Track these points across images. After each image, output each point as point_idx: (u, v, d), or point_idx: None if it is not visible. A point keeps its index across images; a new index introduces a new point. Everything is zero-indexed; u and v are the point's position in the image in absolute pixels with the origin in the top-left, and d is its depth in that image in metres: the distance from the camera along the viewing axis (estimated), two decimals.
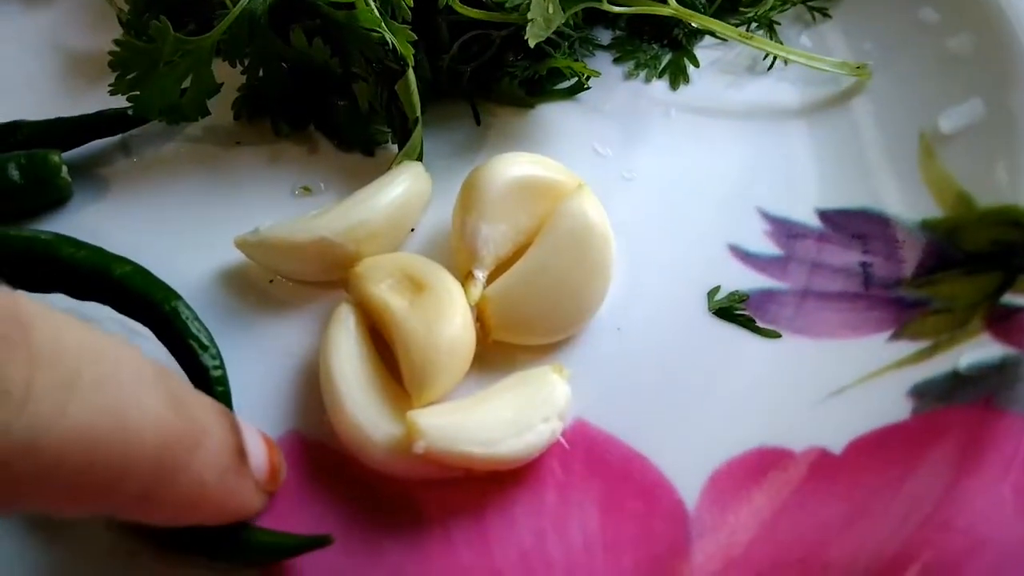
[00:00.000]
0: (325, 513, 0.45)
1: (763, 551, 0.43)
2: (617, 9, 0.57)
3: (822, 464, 0.46)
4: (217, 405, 0.41)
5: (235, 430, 0.41)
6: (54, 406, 0.32)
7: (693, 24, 0.60)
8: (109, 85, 0.54)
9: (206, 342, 0.46)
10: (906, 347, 0.49)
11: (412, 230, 0.54)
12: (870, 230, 0.54)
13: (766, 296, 0.52)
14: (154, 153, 0.58)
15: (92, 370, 0.34)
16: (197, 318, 0.47)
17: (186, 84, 0.54)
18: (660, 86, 0.62)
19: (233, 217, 0.53)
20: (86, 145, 0.57)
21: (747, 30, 0.61)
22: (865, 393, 0.47)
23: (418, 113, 0.55)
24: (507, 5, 0.54)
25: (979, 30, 0.57)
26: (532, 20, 0.52)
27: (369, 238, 0.50)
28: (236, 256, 0.51)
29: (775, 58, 0.61)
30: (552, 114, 0.60)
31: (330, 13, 0.53)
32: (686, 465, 0.46)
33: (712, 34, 0.62)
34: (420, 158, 0.55)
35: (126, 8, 0.61)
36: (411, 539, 0.44)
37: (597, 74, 0.60)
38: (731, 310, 0.51)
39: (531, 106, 0.60)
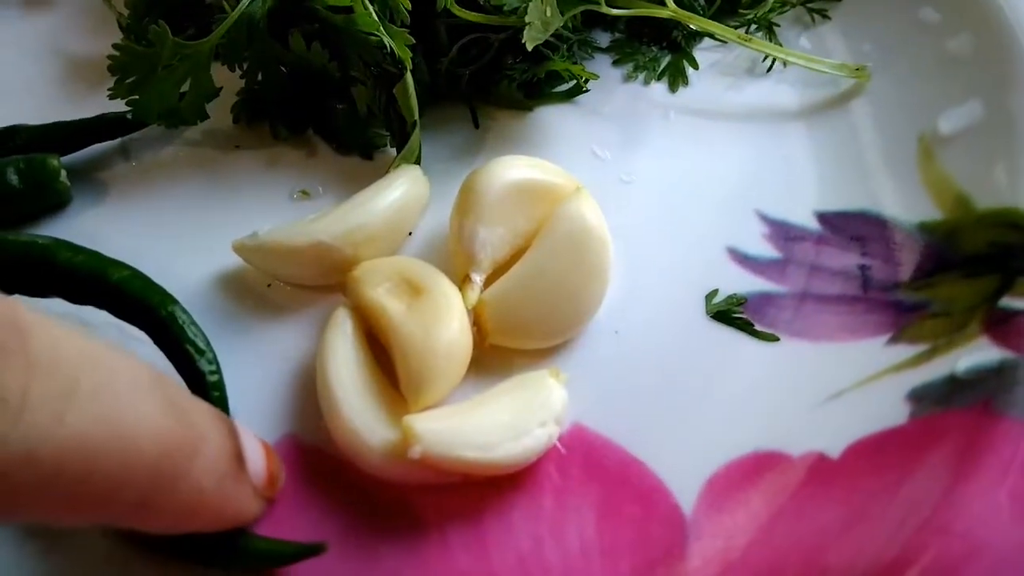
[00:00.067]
0: (321, 518, 0.45)
1: (760, 555, 0.43)
2: (616, 11, 0.57)
3: (820, 468, 0.45)
4: (215, 411, 0.41)
5: (233, 436, 0.41)
6: (52, 415, 0.32)
7: (692, 26, 0.60)
8: (108, 89, 0.54)
9: (203, 347, 0.46)
10: (904, 351, 0.49)
11: (410, 234, 0.54)
12: (869, 232, 0.54)
13: (764, 299, 0.52)
14: (153, 157, 0.58)
15: (90, 379, 0.34)
16: (194, 323, 0.47)
17: (185, 88, 0.54)
18: (659, 88, 0.61)
19: (231, 221, 0.53)
20: (85, 149, 0.57)
21: (746, 32, 0.61)
22: (863, 397, 0.47)
23: (416, 116, 0.55)
24: (505, 8, 0.54)
25: (979, 31, 0.57)
26: (530, 23, 0.52)
27: (367, 242, 0.50)
28: (234, 260, 0.51)
29: (774, 60, 0.61)
30: (551, 117, 0.60)
31: (328, 17, 0.53)
32: (683, 469, 0.46)
33: (711, 36, 0.61)
34: (418, 161, 0.55)
35: (126, 12, 0.61)
36: (408, 544, 0.44)
37: (596, 77, 0.60)
38: (729, 313, 0.51)
39: (529, 109, 0.60)
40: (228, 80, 0.56)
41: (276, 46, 0.55)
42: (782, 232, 0.54)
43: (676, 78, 0.62)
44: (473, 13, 0.55)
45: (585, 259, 0.49)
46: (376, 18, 0.52)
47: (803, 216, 0.55)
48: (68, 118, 0.57)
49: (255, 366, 0.49)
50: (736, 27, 0.61)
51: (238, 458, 0.41)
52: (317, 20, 0.54)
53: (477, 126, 0.59)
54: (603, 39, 0.64)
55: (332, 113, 0.58)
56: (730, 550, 0.43)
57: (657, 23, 0.62)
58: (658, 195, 0.56)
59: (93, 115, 0.57)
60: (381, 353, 0.48)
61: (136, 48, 0.53)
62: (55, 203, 0.55)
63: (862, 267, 0.52)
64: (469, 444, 0.43)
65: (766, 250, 0.54)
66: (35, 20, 0.66)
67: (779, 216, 0.55)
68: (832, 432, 0.46)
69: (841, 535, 0.43)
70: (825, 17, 0.63)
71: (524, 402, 0.45)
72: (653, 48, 0.63)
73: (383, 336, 0.47)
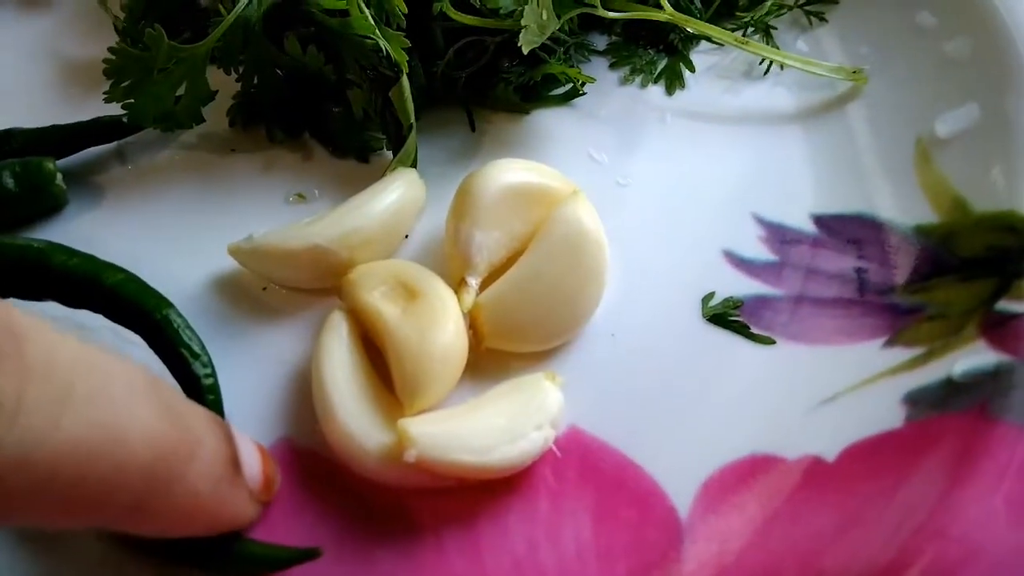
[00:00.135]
0: (316, 521, 0.45)
1: (756, 559, 0.43)
2: (612, 15, 0.57)
3: (815, 472, 0.45)
4: (211, 415, 0.41)
5: (229, 440, 0.41)
6: (47, 419, 0.32)
7: (689, 29, 0.60)
8: (104, 92, 0.54)
9: (197, 350, 0.46)
10: (900, 354, 0.49)
11: (406, 237, 0.54)
12: (865, 235, 0.53)
13: (760, 302, 0.52)
14: (149, 160, 0.58)
15: (85, 383, 0.34)
16: (189, 326, 0.47)
17: (181, 91, 0.54)
18: (656, 91, 0.61)
19: (227, 224, 0.53)
20: (81, 152, 0.57)
21: (743, 35, 0.61)
22: (859, 400, 0.47)
23: (412, 120, 0.55)
24: (501, 11, 0.54)
25: (976, 34, 0.57)
26: (526, 26, 0.52)
27: (362, 245, 0.50)
28: (229, 263, 0.51)
29: (771, 63, 0.61)
30: (547, 120, 0.60)
31: (324, 20, 0.53)
32: (679, 472, 0.46)
33: (708, 39, 0.61)
34: (414, 165, 0.55)
35: (122, 16, 0.61)
36: (403, 548, 0.44)
37: (592, 80, 0.60)
38: (725, 316, 0.51)
39: (526, 112, 0.60)
40: (224, 83, 0.56)
41: (272, 49, 0.55)
42: (778, 235, 0.54)
43: (673, 81, 0.62)
44: (469, 16, 0.54)
45: (581, 262, 0.49)
46: (372, 21, 0.52)
47: (799, 219, 0.55)
48: (64, 121, 0.57)
49: (250, 370, 0.49)
50: (733, 30, 0.61)
51: (233, 462, 0.41)
52: (313, 23, 0.54)
53: (473, 129, 0.59)
54: (600, 42, 0.64)
55: (328, 116, 0.58)
56: (725, 553, 0.43)
57: (654, 26, 0.62)
58: (655, 198, 0.56)
59: (89, 118, 0.57)
60: (377, 357, 0.48)
61: (132, 51, 0.52)
62: (51, 206, 0.55)
63: (858, 270, 0.52)
64: (465, 448, 0.43)
65: (762, 253, 0.54)
66: (31, 23, 0.65)
67: (775, 219, 0.55)
68: (828, 435, 0.46)
69: (837, 539, 0.43)
70: (822, 20, 0.63)
71: (520, 405, 0.45)
72: (650, 51, 0.63)
73: (379, 339, 0.47)
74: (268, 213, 0.55)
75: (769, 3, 0.63)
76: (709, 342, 0.50)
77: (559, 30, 0.57)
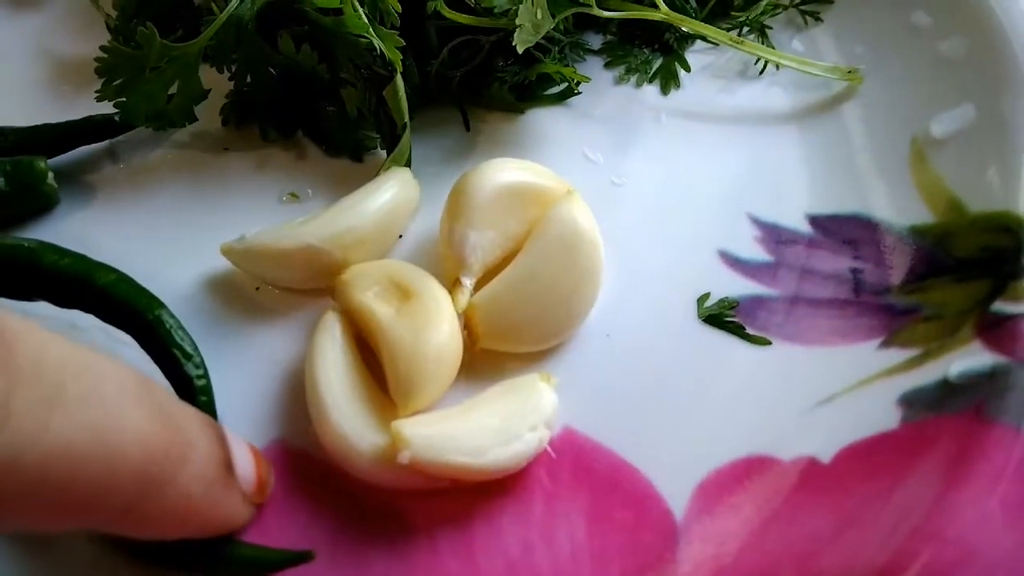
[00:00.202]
0: (310, 523, 0.44)
1: (752, 560, 0.43)
2: (607, 14, 0.57)
3: (811, 473, 0.45)
4: (203, 416, 0.41)
5: (222, 442, 0.41)
6: (36, 421, 0.32)
7: (684, 29, 0.60)
8: (96, 91, 0.53)
9: (190, 351, 0.46)
10: (896, 355, 0.48)
11: (400, 237, 0.54)
12: (860, 236, 0.53)
13: (756, 303, 0.52)
14: (141, 159, 0.58)
15: (75, 385, 0.33)
16: (181, 327, 0.47)
17: (173, 90, 0.54)
18: (651, 91, 0.61)
19: (219, 224, 0.53)
20: (73, 151, 0.57)
21: (738, 35, 0.61)
22: (855, 401, 0.47)
23: (406, 119, 0.54)
24: (496, 10, 0.54)
25: (971, 34, 0.57)
26: (521, 25, 0.51)
27: (356, 245, 0.50)
28: (222, 263, 0.51)
29: (766, 63, 0.61)
30: (542, 119, 0.59)
31: (318, 19, 0.53)
32: (674, 474, 0.46)
33: (703, 39, 0.61)
34: (408, 164, 0.55)
35: (114, 14, 0.60)
36: (397, 549, 0.44)
37: (587, 79, 0.60)
38: (721, 317, 0.51)
39: (521, 111, 0.59)
40: (217, 82, 0.56)
41: (265, 48, 0.55)
42: (774, 235, 0.54)
43: (668, 81, 0.61)
44: (463, 15, 0.54)
45: (576, 262, 0.48)
46: (366, 20, 0.52)
47: (795, 219, 0.55)
48: (55, 120, 0.56)
49: (243, 370, 0.49)
50: (728, 29, 0.61)
51: (226, 464, 0.40)
52: (306, 22, 0.54)
53: (468, 129, 0.59)
54: (595, 41, 0.63)
55: (322, 115, 0.57)
56: (721, 555, 0.43)
57: (649, 25, 0.62)
58: (650, 198, 0.56)
59: (81, 117, 0.56)
60: (370, 357, 0.48)
61: (124, 50, 0.52)
62: (42, 206, 0.55)
63: (854, 271, 0.52)
64: (459, 449, 0.42)
65: (758, 253, 0.53)
66: (22, 21, 0.65)
67: (771, 219, 0.55)
68: (824, 437, 0.46)
69: (833, 540, 0.43)
70: (817, 20, 0.63)
71: (514, 406, 0.45)
72: (645, 50, 0.63)
73: (372, 340, 0.47)
74: (261, 212, 0.55)
75: (764, 3, 0.63)
76: (704, 343, 0.50)
77: (554, 29, 0.57)
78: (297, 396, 0.47)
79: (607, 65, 0.62)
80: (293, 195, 0.56)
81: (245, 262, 0.51)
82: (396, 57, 0.52)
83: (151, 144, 0.58)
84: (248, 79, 0.56)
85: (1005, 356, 0.46)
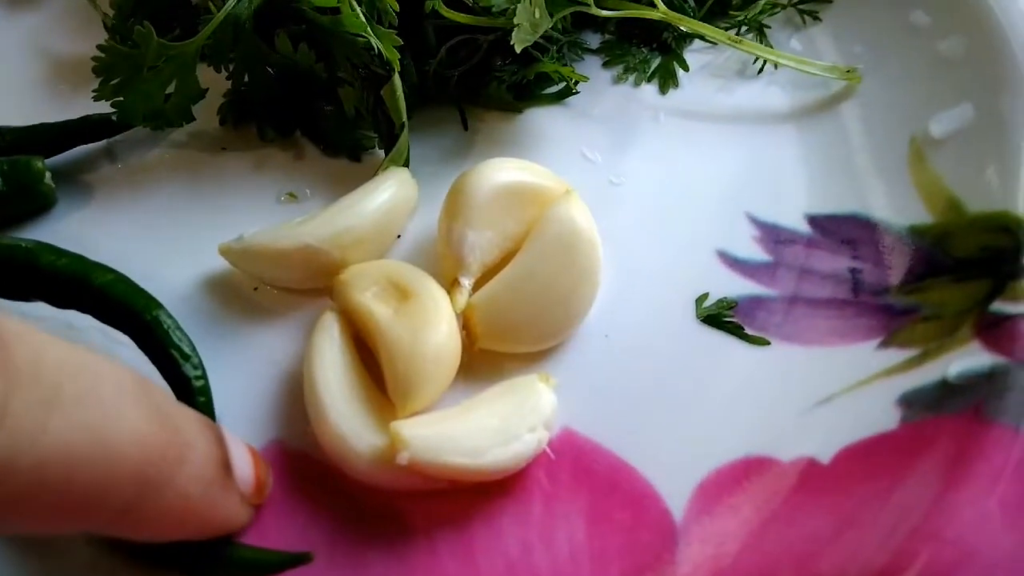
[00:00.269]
0: (308, 524, 0.44)
1: (751, 561, 0.43)
2: (606, 13, 0.57)
3: (811, 473, 0.45)
4: (201, 417, 0.41)
5: (220, 442, 0.41)
6: (34, 423, 0.32)
7: (682, 28, 0.60)
8: (93, 90, 0.53)
9: (188, 351, 0.46)
10: (895, 355, 0.48)
11: (398, 237, 0.54)
12: (859, 236, 0.53)
13: (754, 303, 0.51)
14: (139, 159, 0.58)
15: (73, 386, 0.33)
16: (179, 327, 0.47)
17: (171, 89, 0.54)
18: (649, 90, 0.61)
19: (217, 224, 0.53)
20: (70, 151, 0.57)
21: (737, 34, 0.61)
22: (854, 402, 0.47)
23: (404, 118, 0.54)
24: (494, 9, 0.54)
25: (970, 34, 0.57)
26: (519, 24, 0.51)
27: (354, 245, 0.50)
28: (220, 263, 0.51)
29: (765, 62, 0.61)
30: (540, 119, 0.59)
31: (315, 18, 0.53)
32: (673, 474, 0.46)
33: (702, 38, 0.61)
34: (407, 164, 0.55)
35: (111, 13, 0.60)
36: (396, 551, 0.44)
37: (585, 79, 0.59)
38: (719, 317, 0.51)
39: (519, 111, 0.59)
40: (214, 81, 0.56)
41: (263, 47, 0.54)
42: (772, 235, 0.54)
43: (666, 80, 0.61)
44: (461, 14, 0.54)
45: (575, 262, 0.48)
46: (363, 19, 0.52)
47: (793, 219, 0.55)
48: (52, 119, 0.56)
49: (241, 371, 0.49)
50: (727, 29, 0.60)
51: (225, 465, 0.40)
52: (304, 21, 0.54)
53: (466, 128, 0.59)
54: (593, 40, 0.63)
55: (320, 115, 0.57)
56: (720, 556, 0.43)
57: (647, 24, 0.62)
58: (648, 198, 0.56)
59: (78, 116, 0.56)
60: (369, 357, 0.48)
61: (121, 49, 0.52)
62: (39, 205, 0.55)
63: (853, 271, 0.52)
64: (457, 450, 0.42)
65: (756, 253, 0.53)
66: (19, 20, 0.65)
67: (769, 219, 0.55)
68: (823, 437, 0.46)
69: (832, 541, 0.42)
70: (816, 19, 0.63)
71: (513, 407, 0.45)
72: (643, 50, 0.63)
73: (371, 340, 0.47)
74: (259, 212, 0.55)
75: (763, 2, 0.63)
76: (703, 343, 0.50)
77: (552, 28, 0.56)
78: (295, 397, 0.47)
79: (605, 64, 0.62)
80: (291, 195, 0.56)
81: (243, 262, 0.50)
82: (394, 56, 0.52)
83: (149, 144, 0.58)
84: (246, 78, 0.56)
85: (1004, 356, 0.45)
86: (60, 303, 0.47)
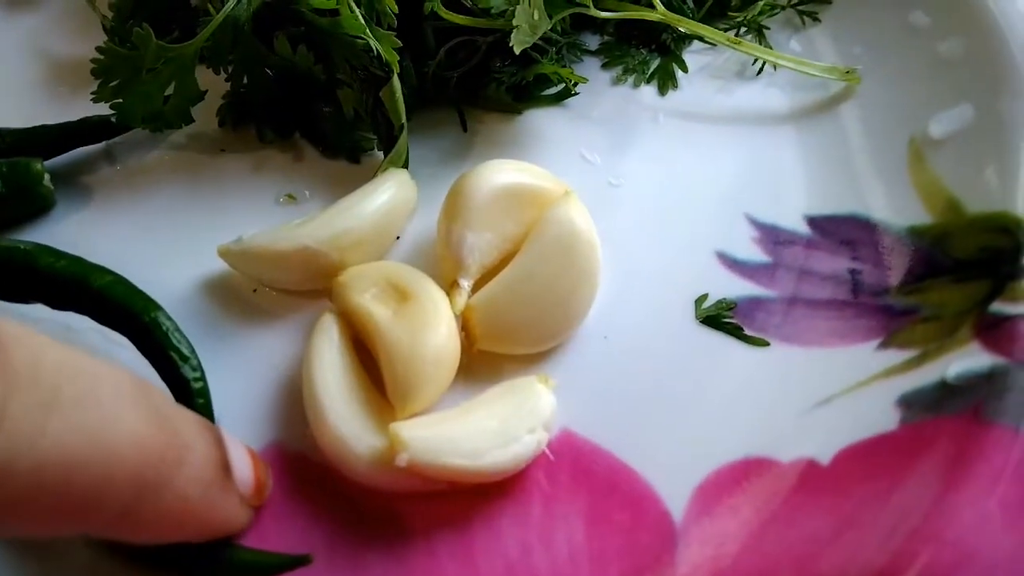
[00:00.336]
0: (307, 526, 0.44)
1: (751, 563, 0.43)
2: (605, 14, 0.57)
3: (810, 474, 0.45)
4: (200, 419, 0.41)
5: (219, 444, 0.40)
6: (33, 426, 0.32)
7: (681, 29, 0.60)
8: (92, 92, 0.53)
9: (187, 353, 0.46)
10: (894, 356, 0.48)
11: (397, 238, 0.54)
12: (859, 237, 0.53)
13: (754, 304, 0.51)
14: (138, 161, 0.58)
15: (71, 388, 0.33)
16: (178, 329, 0.47)
17: (170, 91, 0.54)
18: (648, 92, 0.61)
19: (216, 225, 0.53)
20: (69, 153, 0.57)
21: (736, 35, 0.61)
22: (853, 402, 0.47)
23: (403, 120, 0.54)
24: (493, 11, 0.54)
25: (969, 34, 0.57)
26: (518, 26, 0.51)
27: (353, 246, 0.50)
28: (219, 265, 0.51)
29: (764, 63, 0.61)
30: (539, 120, 0.59)
31: (314, 20, 0.53)
32: (673, 475, 0.46)
33: (701, 39, 0.61)
34: (406, 165, 0.55)
35: (110, 15, 0.60)
36: (395, 553, 0.43)
37: (585, 80, 0.59)
38: (719, 318, 0.51)
39: (518, 112, 0.59)
40: (213, 83, 0.56)
41: (262, 49, 0.54)
42: (772, 236, 0.54)
43: (665, 81, 0.61)
44: (460, 16, 0.54)
45: (574, 264, 0.48)
46: (362, 21, 0.52)
47: (793, 220, 0.55)
48: (51, 121, 0.56)
49: (240, 373, 0.49)
50: (726, 30, 0.61)
51: (224, 466, 0.40)
52: (303, 23, 0.54)
53: (465, 130, 0.59)
54: (592, 42, 0.63)
55: (319, 116, 0.57)
56: (720, 557, 0.43)
57: (646, 26, 0.62)
58: (647, 199, 0.56)
59: (77, 118, 0.56)
60: (368, 359, 0.48)
61: (120, 51, 0.52)
62: (38, 207, 0.55)
63: (852, 271, 0.52)
64: (457, 451, 0.42)
65: (755, 254, 0.53)
66: (18, 21, 0.65)
67: (769, 220, 0.55)
68: (822, 438, 0.46)
69: (832, 542, 0.42)
70: (815, 20, 0.63)
71: (512, 408, 0.45)
72: (642, 51, 0.63)
73: (370, 342, 0.47)
74: (258, 214, 0.55)
75: (762, 3, 0.63)
76: (702, 344, 0.50)
77: (551, 30, 0.56)
78: (294, 398, 0.47)
79: (604, 66, 0.62)
80: (290, 196, 0.56)
81: (242, 264, 0.50)
82: (393, 58, 0.52)
83: (148, 145, 0.58)
84: (244, 80, 0.56)
85: (1003, 357, 0.45)
86: (59, 305, 0.47)
